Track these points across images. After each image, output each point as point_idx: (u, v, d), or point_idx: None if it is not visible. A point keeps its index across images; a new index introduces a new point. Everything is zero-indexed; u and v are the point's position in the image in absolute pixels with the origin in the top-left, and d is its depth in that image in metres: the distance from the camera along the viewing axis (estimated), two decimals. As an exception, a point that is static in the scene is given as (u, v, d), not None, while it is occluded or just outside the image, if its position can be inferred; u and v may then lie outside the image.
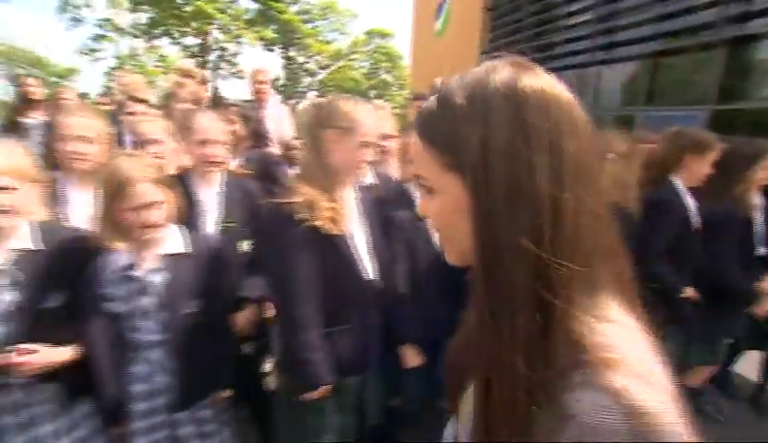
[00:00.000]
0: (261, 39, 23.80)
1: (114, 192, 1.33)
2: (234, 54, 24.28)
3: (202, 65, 23.33)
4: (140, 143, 1.92)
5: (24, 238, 1.35)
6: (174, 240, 1.45)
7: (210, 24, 22.49)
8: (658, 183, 2.04)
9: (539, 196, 0.47)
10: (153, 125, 2.00)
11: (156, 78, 22.82)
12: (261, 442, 2.07)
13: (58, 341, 1.35)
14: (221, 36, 23.50)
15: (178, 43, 23.56)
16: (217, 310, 1.52)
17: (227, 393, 1.57)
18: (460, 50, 11.76)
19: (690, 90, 5.47)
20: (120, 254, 1.40)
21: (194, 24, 22.41)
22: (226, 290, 1.57)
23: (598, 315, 0.48)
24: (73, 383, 1.42)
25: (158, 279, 1.40)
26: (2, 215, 1.27)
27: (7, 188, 1.26)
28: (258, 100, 3.93)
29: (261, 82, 3.94)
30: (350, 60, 26.76)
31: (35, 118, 4.01)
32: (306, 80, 26.56)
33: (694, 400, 2.50)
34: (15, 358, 1.27)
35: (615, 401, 0.43)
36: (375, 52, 28.29)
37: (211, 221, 1.75)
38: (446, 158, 0.52)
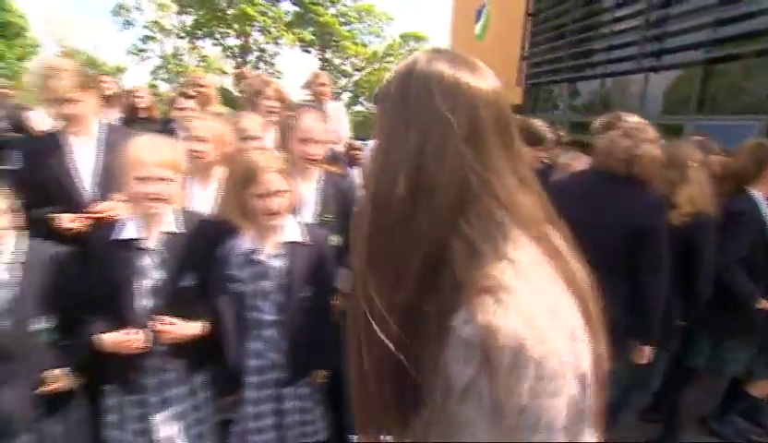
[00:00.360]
0: (300, 40, 24.35)
1: (245, 180, 1.48)
2: (273, 55, 24.97)
3: (242, 66, 24.15)
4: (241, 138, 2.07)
5: (170, 223, 1.54)
6: (292, 229, 1.59)
7: (252, 26, 23.22)
8: (735, 193, 2.06)
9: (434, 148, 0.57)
10: (252, 121, 2.18)
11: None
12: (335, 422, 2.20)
13: (190, 317, 1.52)
14: (260, 37, 24.21)
15: (220, 44, 24.45)
16: (323, 297, 1.65)
17: (324, 374, 1.70)
18: (500, 55, 11.71)
19: (743, 99, 5.34)
20: (246, 238, 1.55)
21: (236, 26, 23.20)
22: (330, 279, 1.70)
23: (496, 251, 0.55)
24: (195, 355, 1.59)
25: (278, 264, 1.55)
26: (161, 203, 1.45)
27: (168, 179, 1.45)
28: (319, 101, 4.11)
29: (322, 84, 4.15)
30: (385, 63, 26.97)
31: (112, 115, 4.35)
32: (342, 82, 26.99)
33: (755, 413, 2.49)
34: (159, 327, 1.45)
35: (475, 317, 0.51)
36: (409, 55, 28.44)
37: (309, 215, 1.90)
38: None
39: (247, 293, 1.55)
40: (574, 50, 8.71)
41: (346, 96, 25.96)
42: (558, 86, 10.01)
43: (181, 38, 24.64)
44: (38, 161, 1.84)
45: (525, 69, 10.76)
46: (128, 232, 1.48)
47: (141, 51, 24.78)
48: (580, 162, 2.46)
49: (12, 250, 1.43)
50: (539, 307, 0.52)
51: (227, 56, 24.83)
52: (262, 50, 24.76)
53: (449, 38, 16.81)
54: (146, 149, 1.45)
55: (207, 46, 25.06)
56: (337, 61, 26.86)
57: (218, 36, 24.42)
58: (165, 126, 3.19)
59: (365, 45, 27.08)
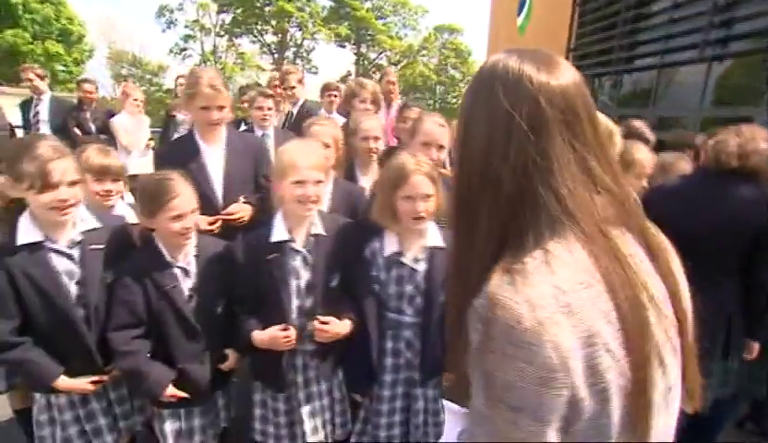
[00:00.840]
0: (336, 36, 24.45)
1: (395, 181, 1.50)
2: (310, 51, 25.21)
3: (279, 62, 24.54)
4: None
5: (317, 224, 1.58)
6: (433, 233, 1.60)
7: (289, 22, 23.51)
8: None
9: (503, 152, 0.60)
10: (373, 122, 2.27)
11: (234, 74, 24.33)
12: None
13: (337, 316, 1.56)
14: (297, 33, 24.49)
15: (258, 41, 24.93)
16: None
17: (452, 377, 1.68)
18: (545, 47, 11.25)
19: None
20: (391, 241, 1.57)
21: (273, 22, 23.55)
22: None
23: (538, 241, 0.57)
24: (337, 353, 1.64)
25: (421, 267, 1.56)
26: (313, 204, 1.50)
27: (320, 182, 1.51)
28: (387, 101, 4.13)
29: (391, 82, 4.20)
30: (420, 56, 26.74)
31: (184, 114, 4.51)
32: (377, 76, 26.95)
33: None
34: (317, 326, 1.50)
35: (486, 290, 0.55)
36: (443, 47, 28.03)
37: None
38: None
39: (390, 294, 1.58)
40: (626, 40, 8.29)
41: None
42: (607, 78, 9.58)
43: (220, 36, 25.29)
44: (177, 167, 1.89)
45: (572, 61, 10.38)
46: (279, 233, 1.53)
47: (183, 50, 25.63)
48: (685, 164, 2.33)
49: (195, 244, 1.55)
50: (551, 299, 0.52)
51: (264, 53, 25.28)
52: (299, 45, 25.02)
53: (488, 30, 16.44)
54: (300, 152, 1.50)
55: (244, 43, 25.65)
56: (372, 55, 26.82)
57: (256, 33, 24.92)
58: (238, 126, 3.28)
59: (399, 38, 26.91)
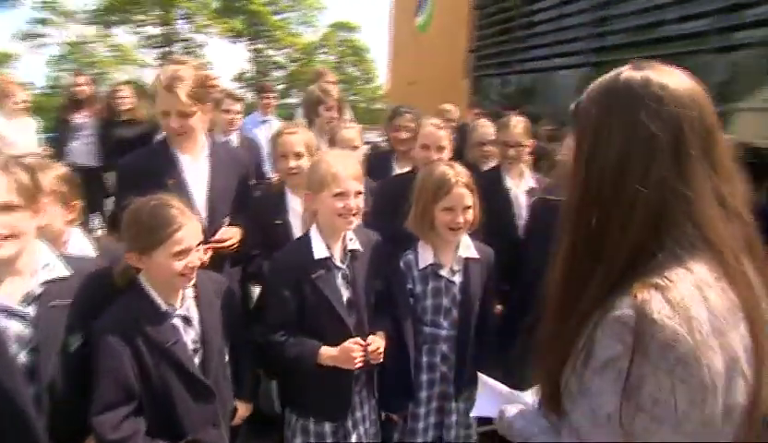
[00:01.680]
0: (230, 30, 22.92)
1: (436, 192, 1.46)
2: (200, 46, 23.28)
3: (165, 57, 22.20)
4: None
5: (353, 239, 1.49)
6: (467, 244, 1.58)
7: (174, 13, 21.36)
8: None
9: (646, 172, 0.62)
10: (353, 131, 2.22)
11: (109, 69, 21.49)
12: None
13: (375, 333, 1.49)
14: (186, 26, 22.42)
15: (137, 33, 22.22)
16: (489, 312, 1.65)
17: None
18: (446, 47, 11.90)
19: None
20: (426, 253, 1.53)
21: (156, 12, 21.21)
22: (493, 295, 1.70)
23: (679, 262, 0.59)
24: (372, 373, 1.56)
25: (457, 279, 1.54)
26: (354, 217, 1.41)
27: (360, 193, 1.42)
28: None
29: (332, 82, 3.96)
30: (321, 53, 26.36)
31: (83, 118, 3.82)
32: (276, 74, 25.90)
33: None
34: (373, 343, 1.42)
35: (638, 305, 0.56)
36: (341, 45, 28.02)
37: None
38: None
39: (427, 308, 1.54)
40: (521, 44, 9.10)
41: (280, 88, 25.01)
42: (504, 79, 10.43)
43: (89, 24, 22.03)
44: (150, 183, 1.56)
45: (473, 62, 11.10)
46: (319, 250, 1.42)
47: (32, 36, 21.69)
48: None
49: (193, 282, 1.29)
50: (705, 320, 0.55)
51: (148, 46, 22.70)
52: (187, 40, 22.96)
53: (388, 29, 16.83)
54: (339, 163, 1.40)
55: (121, 34, 22.71)
56: (270, 52, 25.74)
57: (135, 23, 22.12)
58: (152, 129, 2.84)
59: (298, 35, 26.22)
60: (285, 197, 1.85)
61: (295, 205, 1.83)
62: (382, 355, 1.45)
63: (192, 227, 1.23)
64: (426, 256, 1.54)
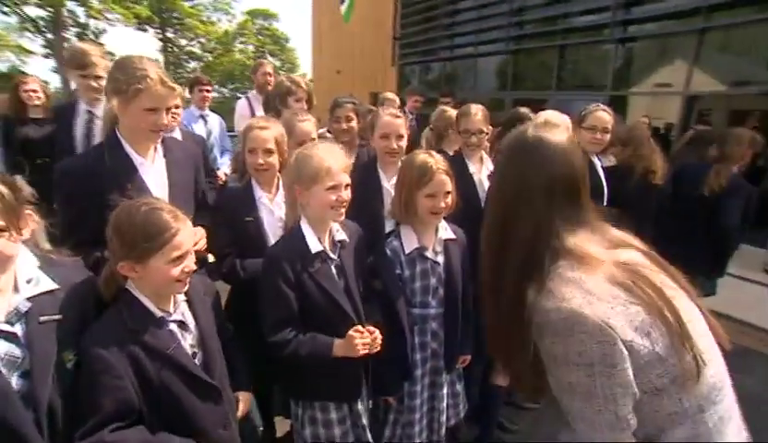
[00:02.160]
0: (136, 17, 20.85)
1: (419, 179, 1.53)
2: (100, 33, 20.96)
3: (53, 44, 19.63)
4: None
5: (340, 231, 1.52)
6: (444, 226, 1.66)
7: (62, -6, 18.88)
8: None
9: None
10: (309, 124, 2.09)
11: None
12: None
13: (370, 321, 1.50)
14: (77, 9, 19.99)
15: (16, 14, 19.28)
16: (467, 288, 1.71)
17: (468, 358, 1.80)
18: (371, 37, 11.90)
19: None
20: (410, 237, 1.59)
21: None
22: (468, 271, 1.74)
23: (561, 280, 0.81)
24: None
25: (441, 259, 1.62)
26: (343, 209, 1.44)
27: (349, 184, 1.44)
28: (263, 91, 3.76)
29: (269, 74, 3.87)
30: (239, 43, 25.04)
31: None
32: (191, 65, 24.18)
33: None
34: (375, 332, 1.42)
35: (553, 296, 0.80)
36: (259, 34, 26.89)
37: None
38: None
39: (416, 290, 1.60)
40: (445, 32, 9.40)
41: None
42: (427, 66, 10.69)
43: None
44: (107, 186, 1.42)
45: (398, 50, 11.23)
46: (313, 243, 1.43)
47: None
48: None
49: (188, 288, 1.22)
50: (598, 298, 0.77)
51: (32, 31, 19.90)
52: (82, 25, 20.53)
53: (310, 17, 16.39)
54: (330, 156, 1.40)
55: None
56: (183, 42, 23.94)
57: (9, 3, 19.14)
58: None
59: (213, 23, 24.66)
60: (253, 193, 1.77)
61: (265, 201, 1.77)
62: (380, 344, 1.47)
63: (186, 230, 1.16)
64: (410, 240, 1.59)
